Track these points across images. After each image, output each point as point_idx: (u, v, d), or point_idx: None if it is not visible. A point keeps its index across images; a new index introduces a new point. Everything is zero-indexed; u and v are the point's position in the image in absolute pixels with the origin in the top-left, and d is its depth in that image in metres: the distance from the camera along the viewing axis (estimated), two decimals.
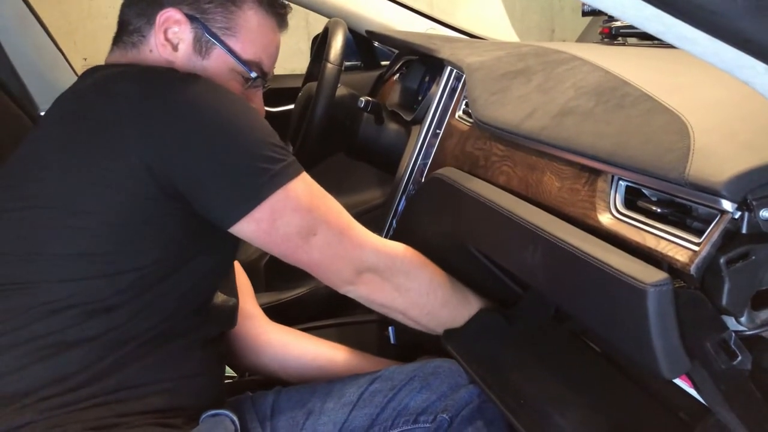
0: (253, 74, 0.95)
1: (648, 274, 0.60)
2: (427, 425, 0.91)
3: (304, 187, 0.87)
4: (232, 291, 1.02)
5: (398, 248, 0.98)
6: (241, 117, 0.85)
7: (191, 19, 0.92)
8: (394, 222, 1.32)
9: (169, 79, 0.87)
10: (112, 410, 0.79)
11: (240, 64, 0.94)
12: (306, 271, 0.91)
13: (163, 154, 0.81)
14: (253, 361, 1.12)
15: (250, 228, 0.83)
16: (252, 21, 0.94)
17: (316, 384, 1.00)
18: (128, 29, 0.94)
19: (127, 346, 0.82)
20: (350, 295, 0.95)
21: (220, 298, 0.97)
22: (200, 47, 0.92)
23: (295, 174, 0.86)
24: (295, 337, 1.16)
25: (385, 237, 1.35)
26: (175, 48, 0.92)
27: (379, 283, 0.95)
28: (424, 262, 1.00)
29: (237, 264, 1.16)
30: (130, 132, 0.81)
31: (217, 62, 0.93)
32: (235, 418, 0.87)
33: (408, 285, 0.97)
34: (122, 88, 0.85)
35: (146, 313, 0.83)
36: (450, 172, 1.03)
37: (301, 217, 0.86)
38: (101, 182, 0.81)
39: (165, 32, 0.92)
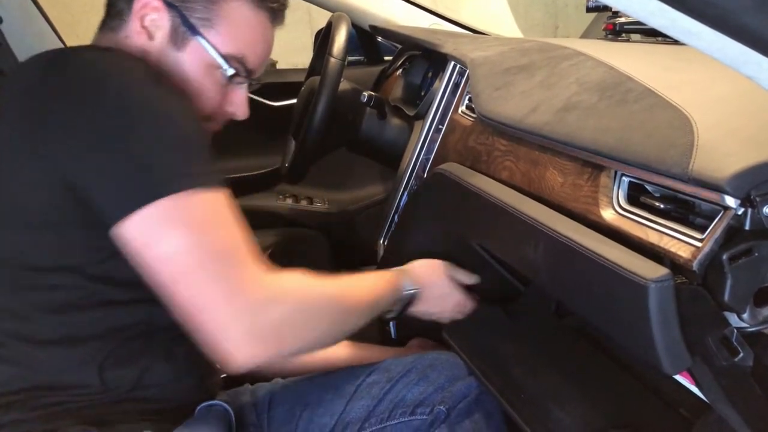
0: (230, 71, 0.89)
1: (649, 270, 0.60)
2: (425, 417, 0.91)
3: (210, 204, 0.74)
4: None
5: (291, 282, 0.79)
6: (161, 107, 0.76)
7: (170, 6, 0.86)
8: (396, 217, 1.32)
9: (89, 61, 0.78)
10: (106, 408, 0.79)
11: (217, 58, 0.87)
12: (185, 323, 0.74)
13: (60, 141, 0.73)
14: None
15: (129, 234, 0.71)
16: (236, 13, 0.88)
17: (314, 376, 1.00)
18: (111, 12, 0.90)
19: (113, 342, 0.80)
20: (239, 368, 0.73)
21: None
22: (177, 38, 0.87)
23: (207, 186, 0.73)
24: None
25: (387, 232, 1.35)
26: (151, 36, 0.87)
27: (275, 339, 0.74)
28: (317, 288, 0.82)
29: None
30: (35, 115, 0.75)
31: (192, 55, 0.87)
32: (230, 409, 0.87)
33: (313, 325, 0.80)
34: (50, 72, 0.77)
35: (124, 309, 0.80)
36: (452, 168, 1.03)
37: (186, 237, 0.71)
38: (18, 178, 0.76)
39: (142, 19, 0.86)
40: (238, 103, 0.94)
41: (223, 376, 1.05)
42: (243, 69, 0.90)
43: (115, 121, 0.73)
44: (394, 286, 0.98)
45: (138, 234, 0.71)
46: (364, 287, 0.91)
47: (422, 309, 1.03)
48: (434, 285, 1.04)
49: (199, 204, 0.72)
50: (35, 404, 0.76)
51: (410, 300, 1.01)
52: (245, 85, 0.93)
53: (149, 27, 0.87)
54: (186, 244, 0.71)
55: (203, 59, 0.87)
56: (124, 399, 0.80)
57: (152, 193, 0.70)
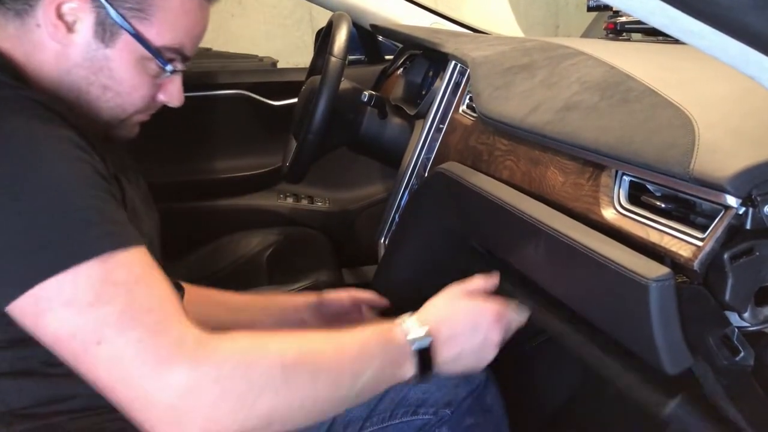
0: (169, 67, 0.80)
1: (650, 269, 0.60)
2: (428, 417, 0.91)
3: (99, 271, 0.64)
4: None
5: (224, 348, 0.66)
6: (30, 174, 0.65)
7: None
8: (397, 217, 1.32)
9: None
10: (96, 419, 0.78)
11: (153, 54, 0.78)
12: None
13: None
14: None
15: (15, 313, 0.65)
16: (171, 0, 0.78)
17: None
18: None
19: None
20: None
21: None
22: (103, 32, 0.76)
23: (90, 254, 0.64)
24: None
25: (387, 232, 1.35)
26: (70, 28, 0.76)
27: (210, 410, 0.62)
28: (261, 351, 0.67)
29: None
30: None
31: (123, 52, 0.77)
32: None
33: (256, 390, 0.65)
34: None
35: None
36: (453, 167, 1.03)
37: (77, 315, 0.63)
38: None
39: (58, 8, 0.74)
40: (173, 92, 0.85)
41: None
42: (180, 58, 0.82)
43: None
44: (388, 336, 0.74)
45: (25, 318, 0.64)
46: (340, 344, 0.71)
47: (451, 353, 0.76)
48: (448, 314, 0.78)
49: (79, 280, 0.63)
50: (24, 419, 0.75)
51: (426, 351, 0.75)
52: (180, 73, 0.85)
53: (67, 17, 0.75)
54: (70, 327, 0.63)
55: (136, 54, 0.78)
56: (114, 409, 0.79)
57: (25, 280, 0.63)
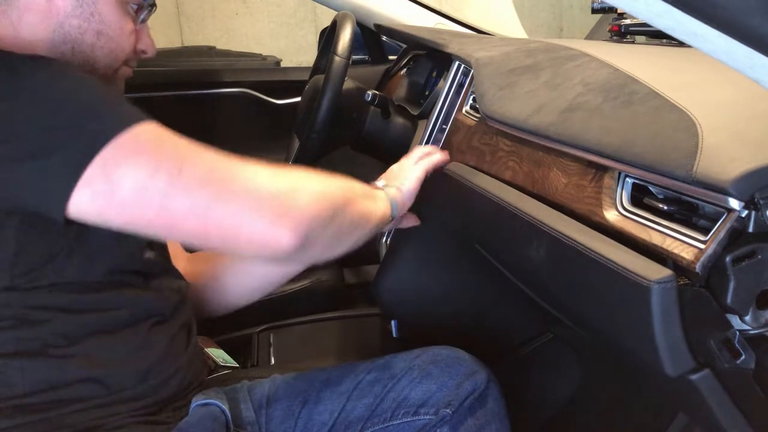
0: (146, 9, 0.88)
1: (652, 271, 0.60)
2: (428, 417, 0.91)
3: (145, 131, 0.70)
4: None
5: (294, 179, 0.77)
6: (43, 81, 0.71)
7: None
8: None
9: None
10: (95, 412, 0.79)
11: None
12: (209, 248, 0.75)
13: None
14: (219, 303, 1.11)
15: (85, 198, 0.66)
16: None
17: (313, 372, 1.00)
18: None
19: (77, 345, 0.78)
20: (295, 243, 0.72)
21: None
22: None
23: (131, 122, 0.69)
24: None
25: (389, 231, 1.35)
26: None
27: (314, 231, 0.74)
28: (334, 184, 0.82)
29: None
30: None
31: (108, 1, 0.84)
32: (225, 408, 0.86)
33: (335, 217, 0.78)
34: None
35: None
36: (456, 167, 1.03)
37: (148, 158, 0.67)
38: None
39: None
40: (146, 41, 0.91)
41: (215, 375, 1.05)
42: (146, 4, 0.89)
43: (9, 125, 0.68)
44: (385, 211, 0.95)
45: (94, 197, 0.66)
46: (366, 200, 0.89)
47: (396, 185, 1.01)
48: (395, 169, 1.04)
49: (134, 136, 0.68)
50: (25, 411, 0.76)
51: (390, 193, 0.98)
52: (147, 23, 0.92)
53: None
54: (147, 169, 0.67)
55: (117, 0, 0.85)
56: (114, 402, 0.80)
57: (85, 155, 0.66)
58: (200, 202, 0.68)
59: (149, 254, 0.88)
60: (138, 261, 0.85)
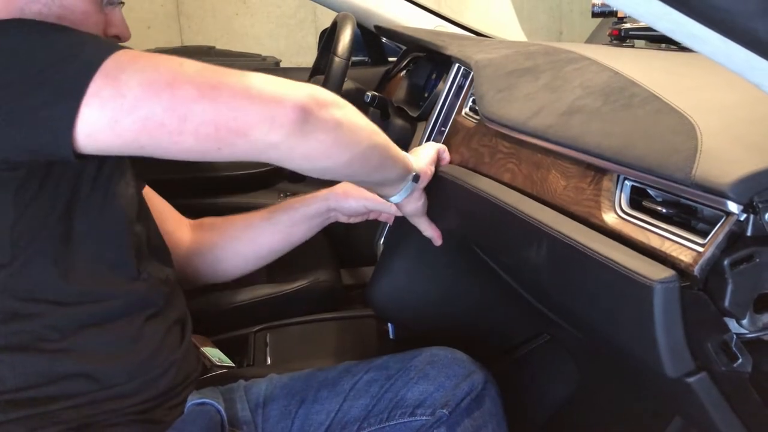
0: None
1: (655, 271, 0.60)
2: (425, 418, 0.91)
3: (132, 53, 0.69)
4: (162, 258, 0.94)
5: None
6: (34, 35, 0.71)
7: None
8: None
9: None
10: (89, 409, 0.79)
11: None
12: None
13: None
14: (216, 272, 1.13)
15: (95, 110, 0.66)
16: None
17: (309, 372, 1.00)
18: None
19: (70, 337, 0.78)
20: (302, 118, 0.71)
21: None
22: None
23: (117, 47, 0.70)
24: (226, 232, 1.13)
25: (386, 232, 1.35)
26: None
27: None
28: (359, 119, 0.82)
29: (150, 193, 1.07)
30: None
31: None
32: (220, 407, 0.86)
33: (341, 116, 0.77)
34: None
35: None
36: (453, 170, 1.03)
37: (147, 60, 0.68)
38: None
39: None
40: (119, 24, 0.88)
41: (211, 374, 1.05)
42: None
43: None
44: (405, 165, 0.93)
45: (100, 104, 0.66)
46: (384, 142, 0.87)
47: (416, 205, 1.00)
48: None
49: (131, 52, 0.68)
50: (17, 406, 0.76)
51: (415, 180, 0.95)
52: (119, 6, 0.89)
53: None
54: (152, 63, 0.67)
55: None
56: (108, 398, 0.80)
57: (80, 82, 0.65)
58: (206, 89, 0.67)
59: (138, 228, 0.88)
60: (126, 234, 0.84)
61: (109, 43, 0.72)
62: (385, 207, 1.08)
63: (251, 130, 0.68)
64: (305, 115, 0.71)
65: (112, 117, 0.66)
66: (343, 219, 1.14)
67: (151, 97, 0.66)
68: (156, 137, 0.68)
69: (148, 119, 0.67)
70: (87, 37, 0.73)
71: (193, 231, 1.12)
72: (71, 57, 0.67)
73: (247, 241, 1.12)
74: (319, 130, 0.73)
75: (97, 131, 0.67)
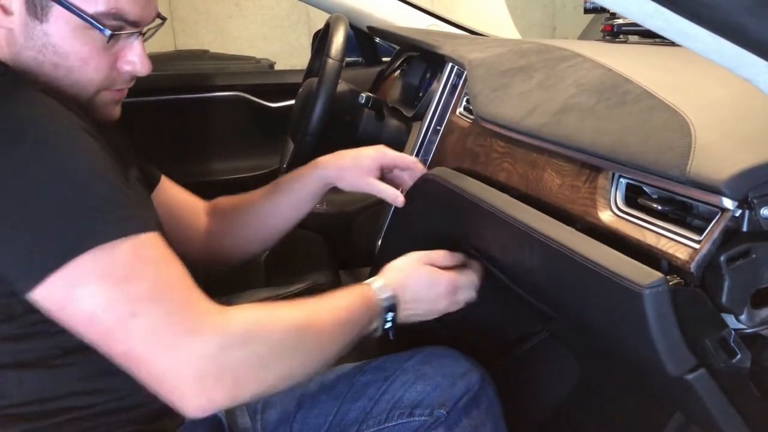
0: (107, 32, 0.77)
1: (642, 276, 0.60)
2: (423, 418, 0.91)
3: (131, 249, 0.68)
4: None
5: (245, 317, 0.73)
6: (57, 158, 0.69)
7: None
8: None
9: None
10: (90, 421, 0.78)
11: (88, 21, 0.75)
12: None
13: None
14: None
15: (41, 294, 0.66)
16: None
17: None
18: None
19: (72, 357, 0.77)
20: (195, 413, 0.69)
21: None
22: (35, 8, 0.75)
23: (120, 235, 0.68)
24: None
25: (382, 235, 1.35)
26: (7, 11, 0.75)
27: (233, 383, 0.69)
28: (275, 318, 0.75)
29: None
30: None
31: (59, 24, 0.76)
32: (222, 416, 0.86)
33: (269, 362, 0.73)
34: None
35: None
36: (442, 173, 1.03)
37: (112, 288, 0.67)
38: None
39: None
40: (135, 60, 0.82)
41: None
42: (124, 23, 0.79)
43: (5, 188, 0.67)
44: (367, 299, 0.86)
45: (53, 299, 0.67)
46: (332, 309, 0.81)
47: (408, 313, 0.90)
48: (409, 280, 0.90)
49: (112, 256, 0.67)
50: (20, 420, 0.76)
51: (391, 309, 0.88)
52: (138, 38, 0.82)
53: (2, 1, 0.75)
54: (104, 300, 0.66)
55: (72, 25, 0.76)
56: (110, 410, 0.80)
57: (58, 259, 0.65)
58: (136, 347, 0.68)
59: None
60: None
61: (125, 220, 0.69)
62: (384, 193, 1.07)
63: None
64: (204, 386, 0.68)
65: (55, 314, 0.68)
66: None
67: (88, 328, 0.68)
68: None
69: (80, 333, 0.69)
70: (101, 196, 0.69)
71: (207, 217, 1.13)
72: (88, 212, 0.68)
73: (257, 228, 1.12)
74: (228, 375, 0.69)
75: (41, 307, 0.68)
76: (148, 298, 0.68)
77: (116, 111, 0.87)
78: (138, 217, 0.71)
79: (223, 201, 1.14)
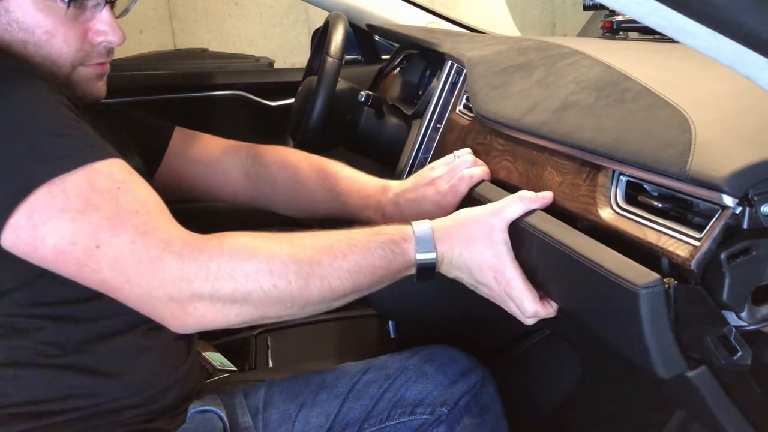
0: (64, 1, 0.76)
1: (639, 276, 0.60)
2: (424, 417, 0.91)
3: (84, 180, 0.68)
4: None
5: (212, 244, 0.70)
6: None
7: None
8: None
9: None
10: (90, 421, 0.79)
11: None
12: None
13: None
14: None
15: (10, 239, 0.67)
16: None
17: (308, 375, 1.00)
18: None
19: (78, 355, 0.78)
20: (184, 331, 0.71)
21: None
22: None
23: (73, 165, 0.68)
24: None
25: None
26: None
27: (207, 304, 0.68)
28: (252, 247, 0.71)
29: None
30: None
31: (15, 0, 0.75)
32: (223, 415, 0.86)
33: (245, 287, 0.69)
34: None
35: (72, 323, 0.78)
36: None
37: (73, 222, 0.67)
38: None
39: None
40: (106, 29, 0.81)
41: (213, 379, 1.05)
42: None
43: None
44: (394, 239, 0.76)
45: (22, 243, 0.67)
46: (333, 244, 0.74)
47: (457, 274, 0.79)
48: (468, 239, 0.76)
49: (65, 190, 0.67)
50: (19, 419, 0.76)
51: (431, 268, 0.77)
52: (106, 7, 0.81)
53: None
54: (69, 234, 0.67)
55: None
56: (111, 410, 0.80)
57: (13, 200, 0.66)
58: (118, 273, 0.68)
59: None
60: None
61: (75, 152, 0.69)
62: (433, 195, 0.95)
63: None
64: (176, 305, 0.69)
65: (25, 254, 0.69)
66: None
67: (60, 262, 0.68)
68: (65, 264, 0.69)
69: (56, 269, 0.69)
70: (53, 132, 0.70)
71: (251, 183, 1.10)
72: (39, 146, 0.68)
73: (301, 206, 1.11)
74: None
75: (13, 251, 0.69)
76: (108, 227, 0.67)
77: (100, 87, 0.86)
78: (90, 146, 0.70)
79: (281, 161, 1.10)
